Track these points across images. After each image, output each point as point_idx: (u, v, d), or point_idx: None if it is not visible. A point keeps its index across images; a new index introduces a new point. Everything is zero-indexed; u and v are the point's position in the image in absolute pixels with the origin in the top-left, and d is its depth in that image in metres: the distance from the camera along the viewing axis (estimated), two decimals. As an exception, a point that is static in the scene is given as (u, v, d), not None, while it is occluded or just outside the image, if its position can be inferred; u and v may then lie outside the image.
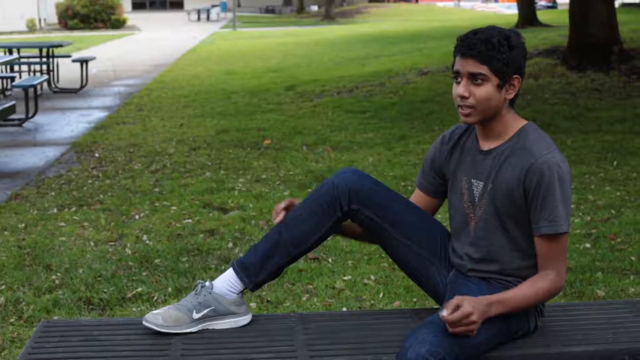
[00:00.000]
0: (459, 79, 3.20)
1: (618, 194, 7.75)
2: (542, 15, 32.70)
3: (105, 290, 5.49)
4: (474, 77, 3.15)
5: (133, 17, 54.69)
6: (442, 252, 3.50)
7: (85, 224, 7.14)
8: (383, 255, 6.12)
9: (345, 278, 5.67)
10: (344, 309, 3.72)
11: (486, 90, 3.15)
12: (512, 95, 3.22)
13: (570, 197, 3.17)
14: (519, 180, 3.16)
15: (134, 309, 5.18)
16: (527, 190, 3.15)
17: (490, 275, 3.31)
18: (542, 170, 3.11)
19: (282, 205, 3.48)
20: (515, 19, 32.27)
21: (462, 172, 3.38)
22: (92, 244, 6.56)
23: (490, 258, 3.31)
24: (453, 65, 3.25)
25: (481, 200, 3.29)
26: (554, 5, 66.12)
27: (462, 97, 3.17)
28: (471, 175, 3.34)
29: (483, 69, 3.14)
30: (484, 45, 3.12)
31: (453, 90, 3.24)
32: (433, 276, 3.50)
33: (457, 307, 2.97)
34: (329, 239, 4.36)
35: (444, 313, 2.95)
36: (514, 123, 3.27)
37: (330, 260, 6.02)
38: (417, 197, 3.63)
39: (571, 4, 16.47)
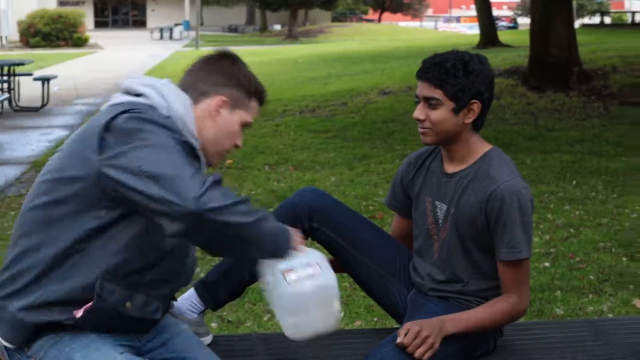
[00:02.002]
0: (418, 102, 3.26)
1: (577, 213, 7.83)
2: (503, 36, 32.96)
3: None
4: (428, 101, 3.21)
5: (95, 35, 54.40)
6: (402, 271, 3.53)
7: (46, 243, 7.07)
8: (344, 275, 6.07)
9: (306, 298, 5.66)
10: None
11: (440, 113, 3.20)
12: (471, 120, 3.24)
13: (531, 224, 3.20)
14: (481, 207, 3.20)
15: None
16: (488, 216, 3.19)
17: (451, 295, 3.34)
18: (503, 197, 3.14)
19: None
20: (476, 39, 32.50)
21: (427, 194, 3.41)
22: (52, 263, 6.50)
23: (452, 279, 3.34)
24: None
25: (445, 223, 3.32)
26: (514, 26, 66.82)
27: (419, 120, 3.23)
28: (435, 197, 3.37)
29: (437, 93, 3.18)
30: (438, 70, 3.17)
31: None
32: (393, 295, 3.52)
33: (408, 331, 3.04)
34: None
35: (397, 340, 3.03)
36: (479, 147, 3.30)
37: (291, 280, 6.01)
38: (395, 220, 3.69)
39: (532, 25, 16.67)
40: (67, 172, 2.63)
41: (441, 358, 3.09)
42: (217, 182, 2.50)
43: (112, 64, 32.35)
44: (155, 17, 77.27)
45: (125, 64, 32.70)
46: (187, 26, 64.07)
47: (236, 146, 2.93)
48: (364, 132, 13.14)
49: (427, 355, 3.01)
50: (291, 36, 54.51)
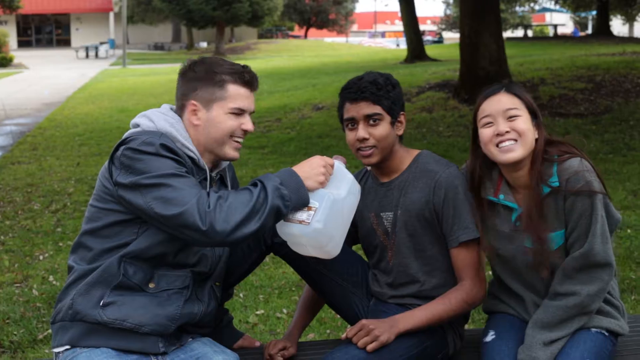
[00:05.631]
0: (354, 125, 3.34)
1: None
2: (429, 50, 33.33)
3: (15, 332, 5.40)
4: (370, 119, 3.31)
5: (19, 55, 53.73)
6: (363, 282, 3.59)
7: (-11, 266, 7.01)
8: (293, 289, 6.18)
9: (258, 312, 5.71)
10: (259, 343, 3.76)
11: (383, 128, 3.32)
12: (401, 132, 3.42)
13: (474, 206, 3.32)
14: (427, 200, 3.32)
15: (46, 351, 5.11)
16: (436, 206, 3.31)
17: (409, 301, 3.42)
18: (447, 184, 3.30)
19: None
20: (402, 54, 32.83)
21: (369, 210, 3.51)
22: (-3, 286, 6.44)
23: (408, 281, 3.43)
24: (342, 114, 3.40)
25: (394, 229, 3.41)
26: (440, 40, 67.62)
27: (363, 140, 3.31)
28: (378, 209, 3.47)
29: (377, 109, 3.31)
30: (374, 87, 3.31)
31: (348, 137, 3.39)
32: (355, 306, 3.58)
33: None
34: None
35: (343, 335, 3.18)
36: (407, 154, 3.45)
37: (241, 295, 6.04)
38: None
39: (462, 39, 16.88)
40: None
41: (397, 358, 3.18)
42: (220, 197, 2.84)
43: (39, 84, 31.96)
44: (79, 35, 76.40)
45: (52, 83, 32.31)
46: (113, 44, 63.63)
47: (245, 132, 3.17)
48: (300, 147, 13.21)
49: (372, 346, 3.09)
50: (218, 53, 54.32)
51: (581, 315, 3.13)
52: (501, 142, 3.12)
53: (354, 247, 3.74)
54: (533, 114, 3.16)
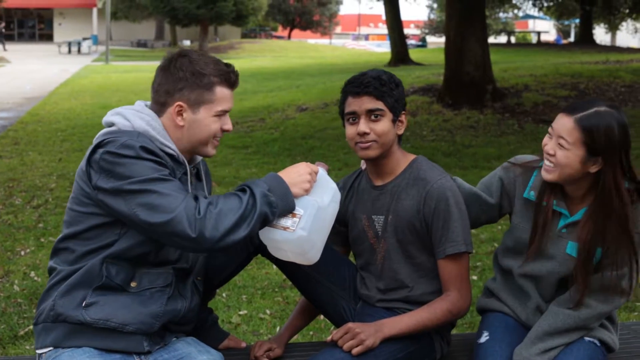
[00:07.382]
0: (355, 119, 3.31)
1: (499, 227, 7.98)
2: (413, 54, 33.37)
3: (-4, 328, 5.37)
4: (372, 114, 3.27)
5: (1, 49, 53.37)
6: (351, 285, 3.57)
7: (-31, 260, 6.95)
8: (276, 290, 6.16)
9: (241, 313, 5.69)
10: (244, 344, 3.74)
11: (384, 124, 3.28)
12: (402, 131, 3.38)
13: (467, 219, 3.32)
14: (418, 209, 3.30)
15: (27, 347, 5.07)
16: (426, 216, 3.29)
17: (397, 305, 3.41)
18: (438, 195, 3.26)
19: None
20: (386, 57, 32.83)
21: (361, 211, 3.48)
22: (-22, 280, 6.39)
23: (397, 286, 3.41)
24: (343, 109, 3.36)
25: (385, 233, 3.39)
26: (423, 44, 67.72)
27: (364, 134, 3.27)
28: (371, 212, 3.44)
29: (379, 104, 3.27)
30: (378, 82, 3.28)
31: (347, 132, 3.34)
32: (343, 309, 3.56)
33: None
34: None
35: (328, 338, 3.16)
36: (404, 158, 3.41)
37: (224, 295, 6.02)
38: None
39: (447, 43, 16.90)
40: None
41: None
42: (210, 204, 2.82)
43: (21, 78, 31.72)
44: (62, 30, 76.00)
45: (34, 78, 32.05)
46: (96, 40, 63.33)
47: (225, 131, 3.14)
48: (284, 147, 13.19)
49: (357, 350, 3.09)
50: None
51: (582, 329, 3.20)
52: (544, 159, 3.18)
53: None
54: (592, 154, 3.07)
